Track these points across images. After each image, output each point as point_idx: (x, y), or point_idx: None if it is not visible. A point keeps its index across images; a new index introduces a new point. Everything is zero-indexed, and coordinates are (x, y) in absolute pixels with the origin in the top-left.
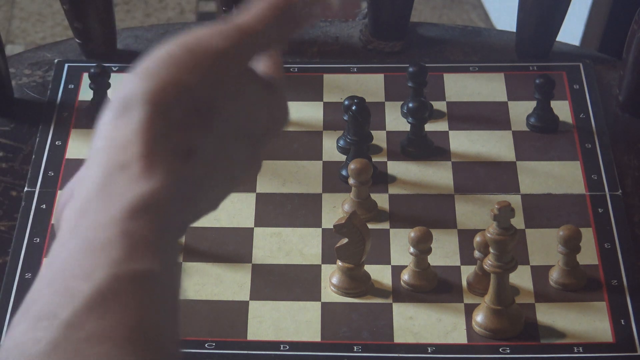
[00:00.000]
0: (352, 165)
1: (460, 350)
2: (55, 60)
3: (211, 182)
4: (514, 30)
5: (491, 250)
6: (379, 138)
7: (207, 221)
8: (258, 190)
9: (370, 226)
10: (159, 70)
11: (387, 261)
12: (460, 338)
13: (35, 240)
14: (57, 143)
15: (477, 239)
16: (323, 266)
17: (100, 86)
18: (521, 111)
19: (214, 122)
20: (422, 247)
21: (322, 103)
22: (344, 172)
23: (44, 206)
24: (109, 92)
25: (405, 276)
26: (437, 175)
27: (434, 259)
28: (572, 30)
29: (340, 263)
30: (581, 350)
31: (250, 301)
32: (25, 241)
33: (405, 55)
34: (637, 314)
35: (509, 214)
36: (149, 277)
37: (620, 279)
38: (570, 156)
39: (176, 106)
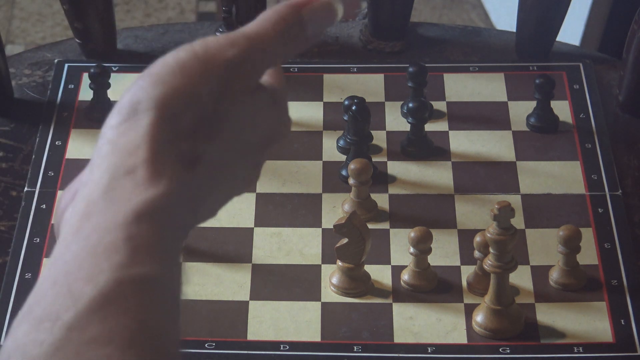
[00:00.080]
0: (352, 165)
1: (460, 350)
2: (55, 60)
3: (213, 190)
4: (514, 30)
5: (491, 250)
6: (379, 138)
7: (207, 221)
8: (258, 190)
9: (370, 226)
10: (167, 77)
11: (387, 261)
12: (460, 338)
13: (35, 240)
14: (57, 143)
15: (477, 239)
16: (323, 266)
17: (100, 86)
18: (521, 111)
19: (218, 132)
20: (422, 247)
21: (322, 103)
22: (344, 172)
23: (44, 206)
24: (109, 92)
25: (405, 276)
26: (437, 175)
27: (434, 259)
28: (572, 30)
29: (340, 263)
30: (581, 350)
31: (250, 301)
32: (25, 241)
33: (405, 55)
34: (637, 314)
35: (509, 214)
36: (151, 281)
37: (620, 279)
38: (570, 156)
39: (184, 113)
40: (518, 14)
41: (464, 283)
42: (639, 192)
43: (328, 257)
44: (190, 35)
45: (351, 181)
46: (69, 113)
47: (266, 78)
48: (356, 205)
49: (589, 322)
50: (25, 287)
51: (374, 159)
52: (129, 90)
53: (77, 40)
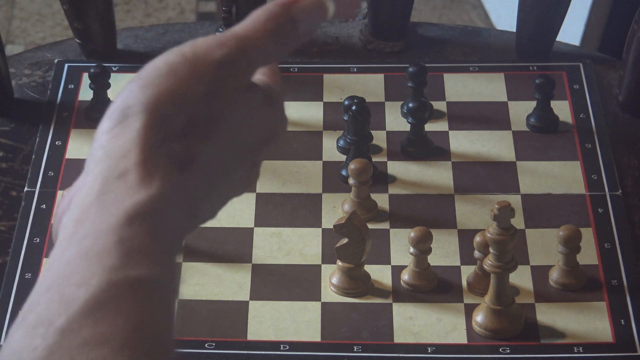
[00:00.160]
0: (352, 165)
1: (460, 350)
2: (55, 60)
3: (210, 191)
4: (514, 30)
5: (491, 250)
6: (379, 138)
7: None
8: (258, 190)
9: (370, 226)
10: (157, 79)
11: (387, 261)
12: (460, 338)
13: (35, 240)
14: (57, 143)
15: (477, 239)
16: (323, 266)
17: (100, 86)
18: (521, 111)
19: (212, 132)
20: (422, 247)
21: (322, 103)
22: (344, 172)
23: (44, 206)
24: (109, 92)
25: (405, 276)
26: (437, 175)
27: (434, 259)
28: (572, 30)
29: (340, 263)
30: (581, 350)
31: (250, 301)
32: (25, 241)
33: (405, 55)
34: (637, 314)
35: (509, 214)
36: (144, 282)
37: (620, 279)
38: (570, 156)
39: (174, 115)
40: (518, 14)
41: (464, 283)
42: (639, 192)
43: (328, 257)
44: (190, 35)
45: (351, 181)
46: (69, 113)
47: (262, 77)
48: (356, 205)
49: (589, 322)
50: (25, 287)
51: (374, 159)
52: (119, 94)
53: (77, 40)
